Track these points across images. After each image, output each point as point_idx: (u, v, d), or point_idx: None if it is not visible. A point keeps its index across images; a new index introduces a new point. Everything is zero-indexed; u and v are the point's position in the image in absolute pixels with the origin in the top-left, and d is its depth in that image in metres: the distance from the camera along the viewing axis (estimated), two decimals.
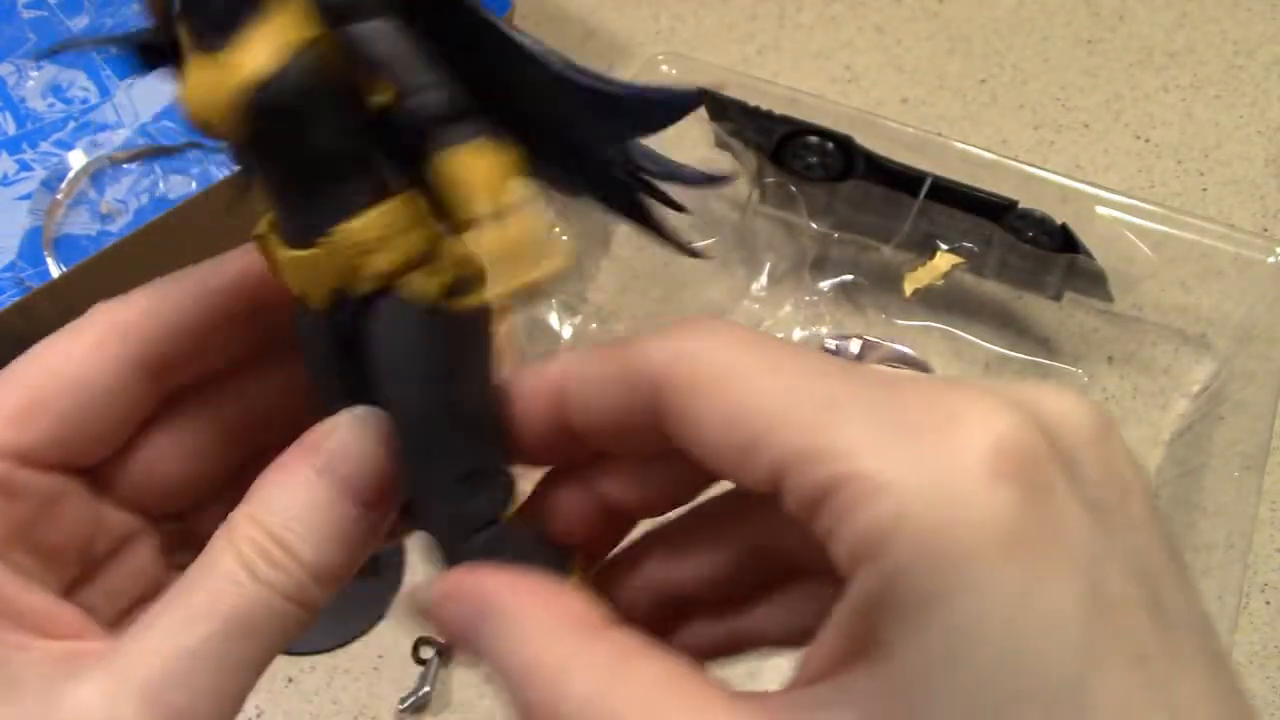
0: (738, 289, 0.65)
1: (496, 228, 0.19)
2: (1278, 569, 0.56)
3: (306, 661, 0.51)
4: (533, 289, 0.19)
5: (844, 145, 0.61)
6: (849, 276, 0.64)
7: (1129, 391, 0.62)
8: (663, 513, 0.23)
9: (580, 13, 0.74)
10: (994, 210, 0.60)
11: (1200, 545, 0.53)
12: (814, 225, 0.63)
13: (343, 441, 0.21)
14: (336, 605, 0.56)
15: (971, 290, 0.64)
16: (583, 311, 0.60)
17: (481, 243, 0.19)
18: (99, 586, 0.24)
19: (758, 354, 0.19)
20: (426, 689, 0.50)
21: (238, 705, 0.21)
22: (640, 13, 0.75)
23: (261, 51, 0.18)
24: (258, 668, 0.21)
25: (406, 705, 0.50)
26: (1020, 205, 0.60)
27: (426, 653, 0.51)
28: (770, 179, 0.62)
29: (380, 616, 0.53)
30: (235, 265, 0.24)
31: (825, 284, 0.64)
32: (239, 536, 0.21)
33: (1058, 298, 0.62)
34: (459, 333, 0.21)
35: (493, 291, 0.20)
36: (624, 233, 0.66)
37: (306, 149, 0.20)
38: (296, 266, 0.21)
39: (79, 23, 0.62)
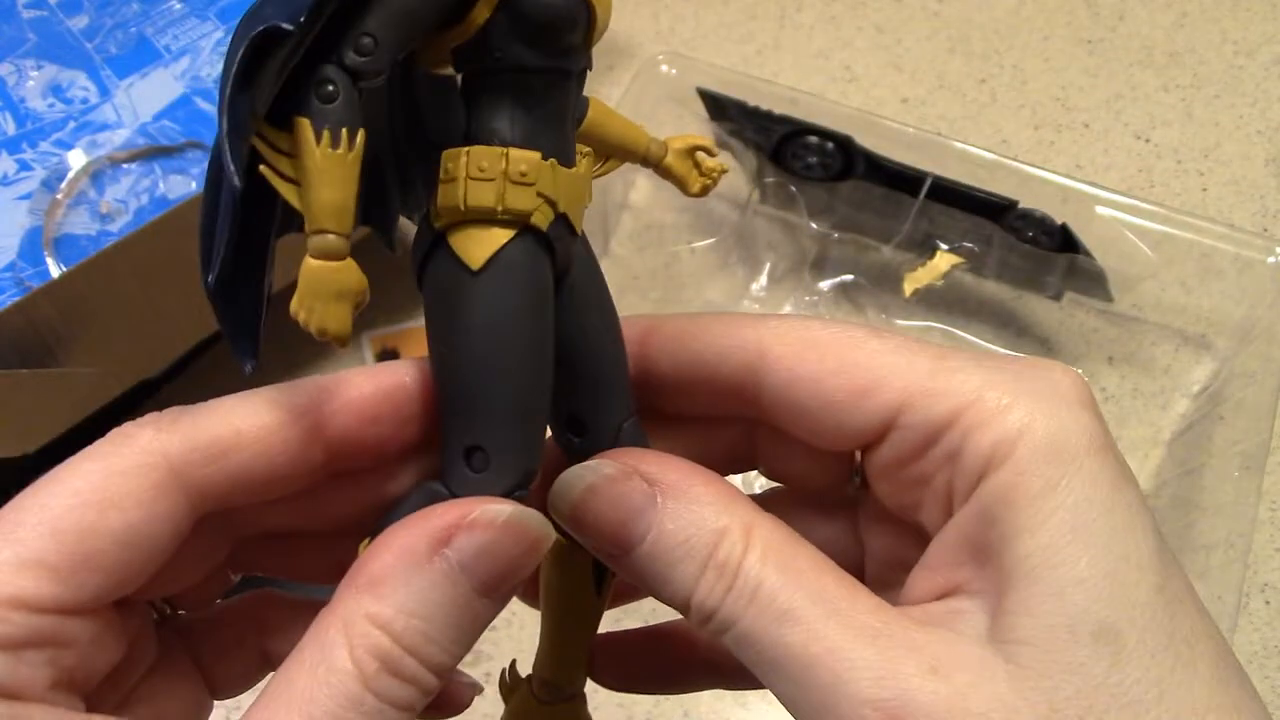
0: (737, 288, 0.65)
1: (674, 141, 0.25)
2: (1278, 569, 0.56)
3: None
4: (718, 174, 0.25)
5: (844, 145, 0.61)
6: (849, 276, 0.64)
7: (1129, 391, 0.62)
8: None
9: None
10: (994, 210, 0.60)
11: (1200, 545, 0.53)
12: (814, 225, 0.63)
13: (489, 543, 0.20)
14: None
15: (971, 290, 0.64)
16: None
17: (674, 153, 0.25)
18: (135, 704, 0.23)
19: (857, 327, 0.22)
20: None
21: None
22: (640, 13, 0.75)
23: None
24: None
25: None
26: (1020, 205, 0.60)
27: None
28: (770, 179, 0.62)
29: None
30: (345, 393, 0.22)
31: (825, 284, 0.64)
32: (357, 635, 0.19)
33: (1058, 298, 0.62)
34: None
35: (696, 179, 0.25)
36: (624, 233, 0.67)
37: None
38: (576, 183, 0.22)
39: (79, 23, 0.62)
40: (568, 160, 0.21)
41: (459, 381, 0.21)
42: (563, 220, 0.21)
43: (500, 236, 0.20)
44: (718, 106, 0.62)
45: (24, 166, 0.56)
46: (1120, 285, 0.61)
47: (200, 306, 0.21)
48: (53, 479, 0.20)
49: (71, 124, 0.58)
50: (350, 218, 0.19)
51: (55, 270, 0.53)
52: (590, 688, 0.55)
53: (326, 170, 0.19)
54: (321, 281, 0.19)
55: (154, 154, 0.57)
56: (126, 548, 0.20)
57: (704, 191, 0.25)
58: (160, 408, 0.22)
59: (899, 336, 0.23)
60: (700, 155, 0.25)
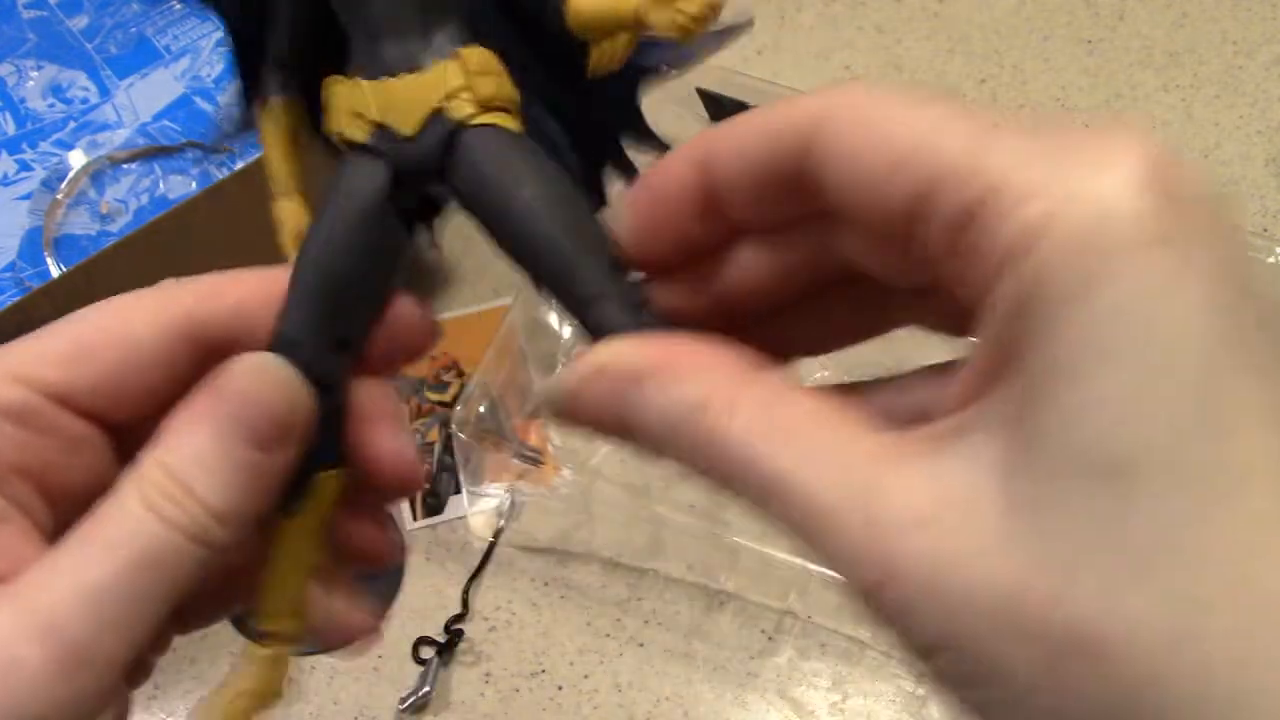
0: None
1: None
2: None
3: (306, 661, 0.51)
4: (706, 12, 0.22)
5: None
6: None
7: None
8: (782, 308, 0.23)
9: None
10: None
11: None
12: None
13: (242, 387, 0.22)
14: None
15: None
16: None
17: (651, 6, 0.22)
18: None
19: (908, 94, 0.19)
20: (426, 689, 0.50)
21: (141, 641, 0.21)
22: None
23: None
24: (161, 605, 0.21)
25: (406, 705, 0.50)
26: None
27: (426, 653, 0.51)
28: None
29: (380, 617, 0.53)
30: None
31: None
32: (145, 478, 0.22)
33: None
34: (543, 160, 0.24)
35: (677, 20, 0.22)
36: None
37: None
38: (400, 90, 0.23)
39: (79, 23, 0.62)
40: (382, 74, 0.23)
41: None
42: (382, 129, 0.23)
43: (342, 155, 0.24)
44: (718, 107, 0.62)
45: (24, 167, 0.56)
46: None
47: None
48: (86, 308, 0.23)
49: (71, 124, 0.58)
50: (279, 168, 0.25)
51: (55, 270, 0.53)
52: (592, 686, 0.55)
53: (263, 135, 0.25)
54: (275, 217, 0.26)
55: (154, 154, 0.57)
56: (121, 352, 0.23)
57: (686, 34, 0.23)
58: None
59: (953, 103, 0.19)
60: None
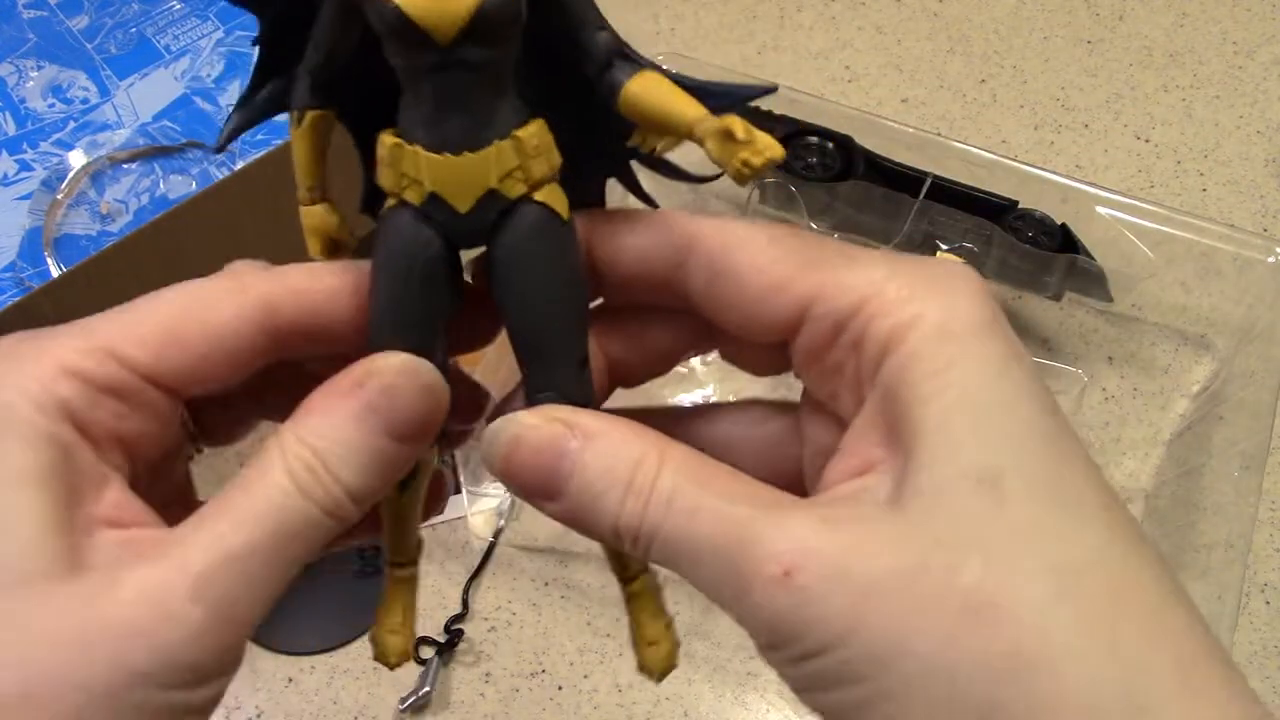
0: None
1: (723, 121, 0.24)
2: (1278, 569, 0.56)
3: (306, 661, 0.51)
4: (768, 165, 0.24)
5: (844, 145, 0.61)
6: None
7: (1129, 391, 0.62)
8: (641, 379, 0.29)
9: None
10: (994, 210, 0.60)
11: (1200, 545, 0.53)
12: (814, 225, 0.63)
13: (390, 384, 0.24)
14: (337, 605, 0.56)
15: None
16: None
17: (715, 132, 0.24)
18: (163, 486, 0.27)
19: (780, 226, 0.25)
20: (426, 689, 0.50)
21: (271, 602, 0.23)
22: (640, 13, 0.75)
23: None
24: (292, 570, 0.24)
25: (406, 705, 0.50)
26: (1020, 205, 0.60)
27: (426, 653, 0.51)
28: (770, 179, 0.62)
29: None
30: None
31: None
32: (290, 453, 0.24)
33: (1058, 298, 0.62)
34: (574, 240, 0.26)
35: (744, 169, 0.24)
36: None
37: (495, 61, 0.24)
38: (458, 168, 0.24)
39: (79, 23, 0.62)
40: (444, 148, 0.24)
41: (369, 305, 0.26)
42: (436, 198, 0.24)
43: (390, 204, 0.25)
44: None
45: (24, 167, 0.56)
46: (1120, 285, 0.61)
47: None
48: (169, 288, 0.25)
49: (71, 124, 0.58)
50: (309, 176, 0.26)
51: (55, 270, 0.53)
52: (592, 686, 0.56)
53: (292, 142, 0.26)
54: (302, 219, 0.27)
55: (154, 154, 0.58)
56: (208, 340, 0.25)
57: (741, 179, 0.24)
58: None
59: (817, 236, 0.25)
60: (729, 140, 0.24)
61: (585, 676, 0.52)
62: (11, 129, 0.58)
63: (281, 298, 0.25)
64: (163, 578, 0.22)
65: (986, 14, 0.76)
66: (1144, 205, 0.60)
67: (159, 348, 0.24)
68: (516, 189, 0.24)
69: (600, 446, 0.24)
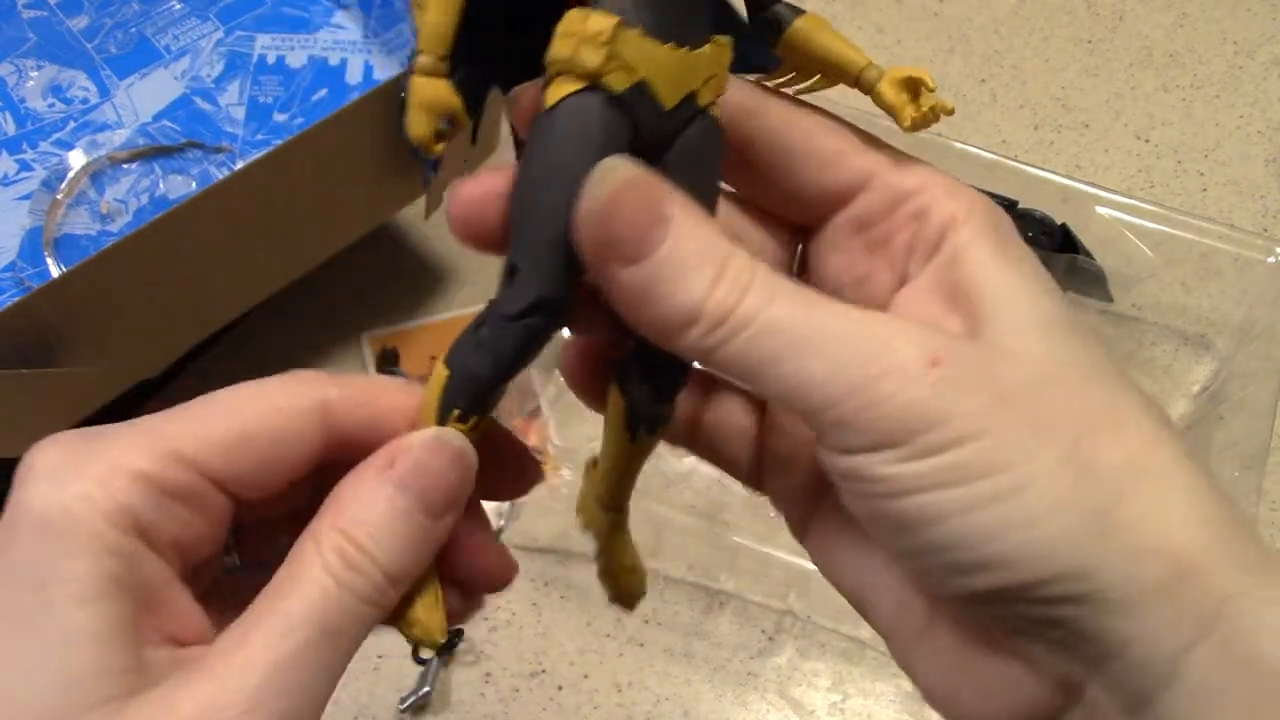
0: None
1: (910, 71, 0.25)
2: None
3: None
4: (939, 111, 0.25)
5: None
6: None
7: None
8: None
9: None
10: None
11: None
12: None
13: (419, 460, 0.24)
14: None
15: None
16: None
17: (897, 81, 0.25)
18: (200, 591, 0.26)
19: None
20: (426, 689, 0.50)
21: (327, 700, 0.24)
22: None
23: None
24: (344, 665, 0.24)
25: (407, 705, 0.50)
26: (1020, 205, 0.60)
27: (426, 653, 0.51)
28: None
29: None
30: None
31: None
32: (325, 545, 0.23)
33: None
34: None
35: (910, 113, 0.25)
36: None
37: None
38: (678, 62, 0.23)
39: (79, 23, 0.62)
40: (668, 37, 0.22)
41: (514, 204, 0.23)
42: (643, 88, 0.22)
43: (568, 87, 0.22)
44: None
45: (24, 167, 0.56)
46: (1120, 285, 0.61)
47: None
48: (229, 390, 0.25)
49: (71, 124, 0.58)
50: (441, 42, 0.23)
51: (55, 270, 0.53)
52: (592, 686, 0.55)
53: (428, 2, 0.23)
54: (414, 91, 0.23)
55: (154, 154, 0.57)
56: (274, 443, 0.24)
57: (915, 126, 0.26)
58: (161, 408, 0.24)
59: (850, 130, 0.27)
60: (919, 88, 0.25)
61: (585, 676, 0.52)
62: (11, 129, 0.58)
63: (344, 403, 0.25)
64: (218, 697, 0.21)
65: (986, 14, 0.76)
66: (1144, 205, 0.60)
67: (229, 453, 0.24)
68: (707, 96, 0.24)
69: (696, 226, 0.22)
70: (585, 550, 0.55)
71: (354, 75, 0.63)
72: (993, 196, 0.59)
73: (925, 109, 0.25)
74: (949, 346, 0.22)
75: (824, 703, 0.52)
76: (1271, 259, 0.60)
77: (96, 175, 0.56)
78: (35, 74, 0.60)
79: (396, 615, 0.26)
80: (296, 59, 0.63)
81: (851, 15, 0.75)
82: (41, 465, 0.22)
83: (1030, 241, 0.59)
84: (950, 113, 0.26)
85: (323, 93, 0.61)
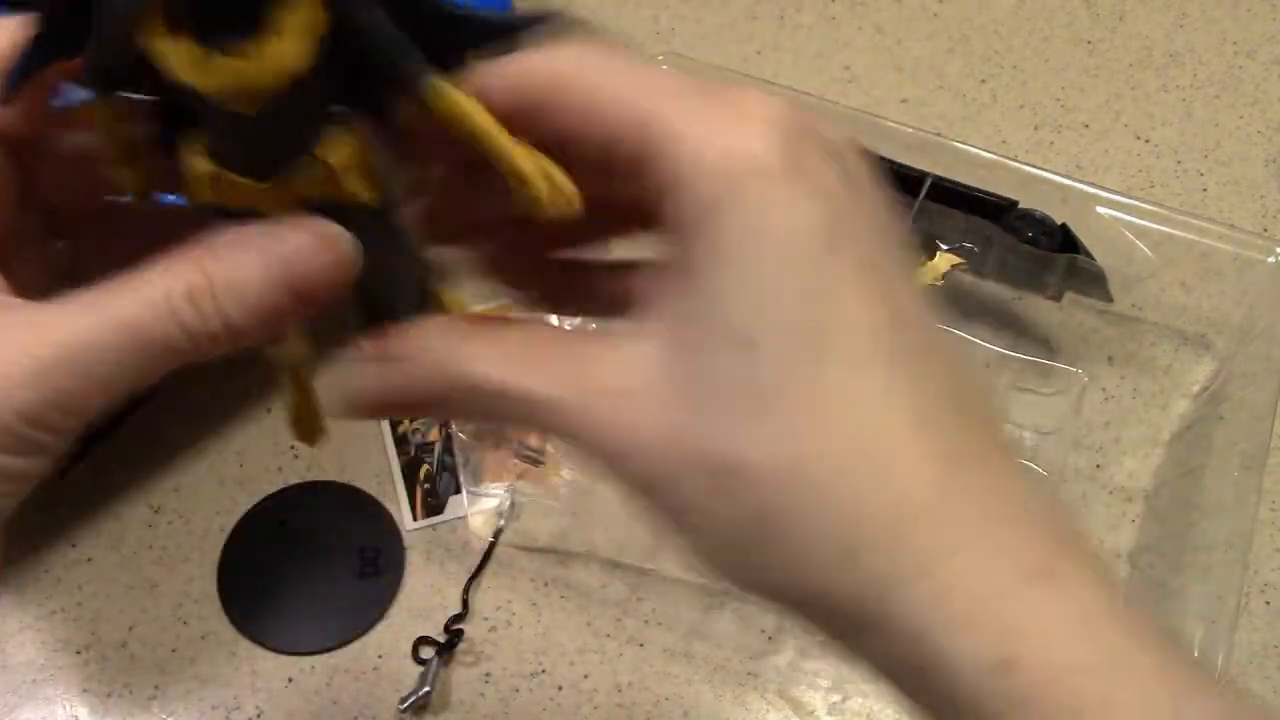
0: None
1: (526, 158, 0.24)
2: (1278, 569, 0.56)
3: (306, 661, 0.51)
4: (570, 203, 0.25)
5: None
6: None
7: (1129, 391, 0.62)
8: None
9: (580, 13, 0.74)
10: (994, 210, 0.60)
11: (1200, 545, 0.53)
12: None
13: (310, 252, 0.25)
14: (337, 605, 0.56)
15: (971, 291, 0.64)
16: None
17: (515, 162, 0.24)
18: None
19: (614, 61, 0.25)
20: (426, 689, 0.50)
21: (97, 408, 0.24)
22: (640, 13, 0.75)
23: (291, 48, 0.22)
24: (134, 382, 0.24)
25: (407, 706, 0.50)
26: (1020, 205, 0.60)
27: (426, 653, 0.52)
28: None
29: (380, 616, 0.53)
30: None
31: None
32: (177, 275, 0.24)
33: (1057, 298, 0.62)
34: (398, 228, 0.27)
35: (538, 202, 0.24)
36: None
37: (297, 108, 0.24)
38: (272, 191, 0.25)
39: None
40: (258, 173, 0.25)
41: None
42: (257, 213, 0.25)
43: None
44: None
45: None
46: (1120, 285, 0.61)
47: None
48: None
49: None
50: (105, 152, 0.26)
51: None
52: (592, 686, 0.55)
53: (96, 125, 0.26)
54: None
55: None
56: None
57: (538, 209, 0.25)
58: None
59: (645, 68, 0.25)
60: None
61: (585, 676, 0.52)
62: None
63: None
64: (21, 346, 0.23)
65: (986, 14, 0.76)
66: (1144, 205, 0.60)
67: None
68: (328, 191, 0.25)
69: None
70: (585, 550, 0.55)
71: None
72: (992, 196, 0.60)
73: (549, 195, 0.25)
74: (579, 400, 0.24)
75: (824, 703, 0.52)
76: (1271, 259, 0.60)
77: None
78: None
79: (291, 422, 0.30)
80: None
81: (851, 15, 0.75)
82: None
83: (1030, 241, 0.60)
84: (576, 204, 0.25)
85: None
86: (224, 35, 0.22)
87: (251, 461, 0.56)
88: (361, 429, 0.57)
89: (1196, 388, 0.62)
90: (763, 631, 0.53)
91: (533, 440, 0.57)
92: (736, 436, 0.22)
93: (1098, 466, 0.60)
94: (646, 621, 0.53)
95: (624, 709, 0.51)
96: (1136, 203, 0.60)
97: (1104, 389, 0.62)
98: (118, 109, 0.25)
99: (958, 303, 0.64)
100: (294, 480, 0.55)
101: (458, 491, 0.56)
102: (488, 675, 0.52)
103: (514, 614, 0.53)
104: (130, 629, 0.52)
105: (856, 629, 0.25)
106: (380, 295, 0.27)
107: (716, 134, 0.22)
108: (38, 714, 0.49)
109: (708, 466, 0.22)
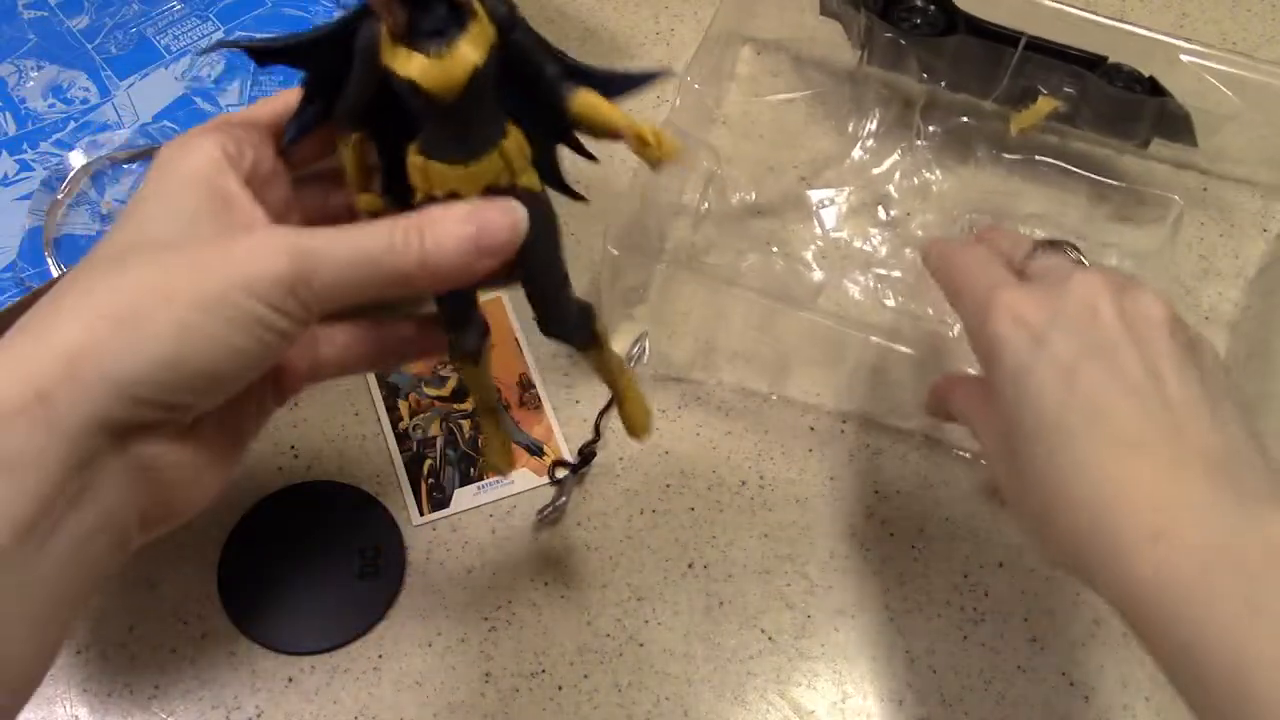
0: (847, 139, 0.69)
1: (643, 126, 0.35)
2: None
3: (306, 661, 0.51)
4: (678, 158, 0.36)
5: (943, 5, 0.65)
6: (963, 119, 0.69)
7: (1214, 231, 0.67)
8: None
9: (580, 13, 0.74)
10: (1085, 65, 0.63)
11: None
12: (925, 75, 0.67)
13: (496, 216, 0.35)
14: (337, 605, 0.56)
15: (1067, 140, 0.69)
16: (706, 158, 0.64)
17: (638, 133, 0.35)
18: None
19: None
20: (564, 499, 0.54)
21: (336, 303, 0.34)
22: (640, 13, 0.75)
23: (475, 50, 0.32)
24: (363, 295, 0.34)
25: (544, 515, 0.55)
26: (1109, 60, 0.63)
27: (561, 472, 0.55)
28: (884, 34, 0.66)
29: (380, 616, 0.53)
30: None
31: (934, 127, 0.69)
32: (404, 222, 0.34)
33: (1146, 144, 0.66)
34: (549, 205, 0.38)
35: (654, 161, 0.36)
36: (736, 85, 0.72)
37: (484, 102, 0.34)
38: (467, 174, 0.35)
39: (79, 23, 0.62)
40: (454, 161, 0.35)
41: None
42: (454, 194, 0.35)
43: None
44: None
45: (25, 167, 0.56)
46: (1205, 128, 0.64)
47: None
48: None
49: (72, 124, 0.58)
50: (357, 183, 0.38)
51: (55, 270, 0.53)
52: (592, 686, 0.55)
53: (343, 156, 0.37)
54: (359, 206, 0.39)
55: (154, 154, 0.57)
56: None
57: (655, 164, 0.36)
58: None
59: None
60: (641, 142, 0.36)
61: (585, 676, 0.52)
62: (12, 129, 0.58)
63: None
64: (271, 240, 0.33)
65: None
66: (1225, 54, 0.63)
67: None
68: (505, 179, 0.35)
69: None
70: (586, 551, 0.55)
71: None
72: (1083, 53, 0.63)
73: (660, 150, 0.35)
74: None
75: (824, 703, 0.52)
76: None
77: (97, 175, 0.56)
78: (35, 74, 0.60)
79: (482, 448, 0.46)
80: None
81: None
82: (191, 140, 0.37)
83: (1125, 90, 0.64)
84: (680, 154, 0.35)
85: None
86: (429, 46, 0.32)
87: (251, 461, 0.56)
88: (362, 429, 0.57)
89: (1274, 227, 0.67)
90: (763, 632, 0.53)
91: (536, 433, 0.57)
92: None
93: (1187, 292, 0.65)
94: (647, 622, 0.53)
95: (624, 709, 0.51)
96: (1218, 51, 0.64)
97: (1190, 225, 0.66)
98: (362, 142, 0.36)
99: (1056, 149, 0.69)
100: (294, 480, 0.55)
101: (462, 484, 0.56)
102: (487, 675, 0.52)
103: (514, 614, 0.53)
104: (130, 629, 0.52)
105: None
106: (541, 263, 0.38)
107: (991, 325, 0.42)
108: (38, 714, 0.49)
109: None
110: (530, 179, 0.36)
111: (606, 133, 0.36)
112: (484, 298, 0.41)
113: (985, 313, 0.41)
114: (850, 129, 0.69)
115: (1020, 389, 0.39)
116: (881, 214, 0.66)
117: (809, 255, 0.64)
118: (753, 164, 0.68)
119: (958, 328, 0.62)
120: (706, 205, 0.64)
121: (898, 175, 0.67)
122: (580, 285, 0.63)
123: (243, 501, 0.55)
